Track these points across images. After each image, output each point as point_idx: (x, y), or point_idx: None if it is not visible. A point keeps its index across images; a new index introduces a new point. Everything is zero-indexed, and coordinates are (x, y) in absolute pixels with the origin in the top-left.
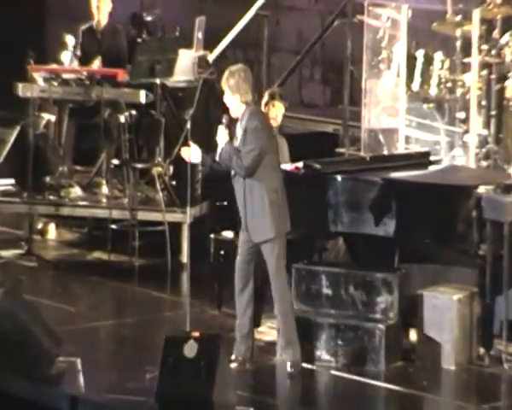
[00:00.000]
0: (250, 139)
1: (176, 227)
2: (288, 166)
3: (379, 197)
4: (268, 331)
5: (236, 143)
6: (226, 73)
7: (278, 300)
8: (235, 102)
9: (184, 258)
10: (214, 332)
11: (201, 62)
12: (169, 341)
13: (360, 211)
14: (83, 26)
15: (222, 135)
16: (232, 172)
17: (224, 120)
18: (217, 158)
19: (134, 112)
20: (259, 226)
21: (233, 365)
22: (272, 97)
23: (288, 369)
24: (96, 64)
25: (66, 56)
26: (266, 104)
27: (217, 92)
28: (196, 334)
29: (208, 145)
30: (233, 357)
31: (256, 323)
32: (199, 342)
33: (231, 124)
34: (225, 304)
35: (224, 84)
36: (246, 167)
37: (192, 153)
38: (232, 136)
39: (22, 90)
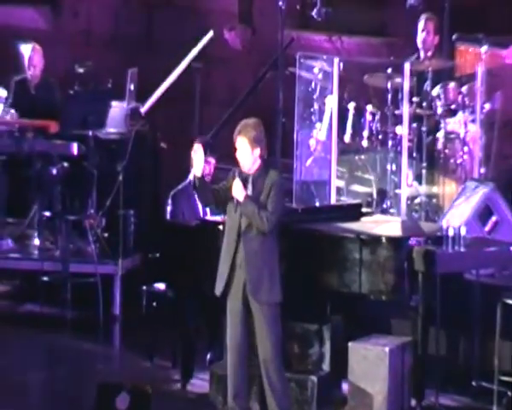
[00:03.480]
0: (277, 196)
1: (108, 279)
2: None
3: (309, 248)
4: (200, 383)
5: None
6: (244, 126)
7: (274, 366)
8: (254, 155)
9: (116, 310)
10: (146, 384)
11: (133, 114)
12: (101, 391)
13: (290, 262)
14: (16, 77)
15: (239, 188)
16: (243, 227)
17: (237, 174)
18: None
19: (66, 164)
20: (267, 287)
21: None
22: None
23: None
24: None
25: None
26: None
27: (149, 144)
28: (128, 385)
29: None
30: None
31: (188, 374)
32: (131, 393)
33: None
34: (157, 356)
35: (243, 138)
36: (273, 223)
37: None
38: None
39: None
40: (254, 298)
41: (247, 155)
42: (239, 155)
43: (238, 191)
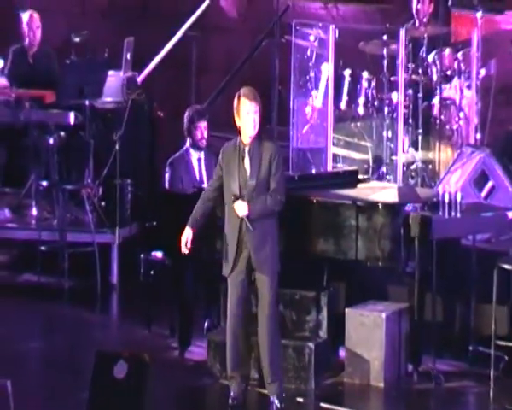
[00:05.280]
0: (279, 168)
1: (105, 248)
2: None
3: (306, 215)
4: (197, 351)
5: (248, 168)
6: (255, 92)
7: (271, 331)
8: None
9: (114, 278)
10: (144, 352)
11: (130, 83)
12: (99, 360)
13: (288, 229)
14: (13, 46)
15: (241, 205)
16: None
17: (235, 196)
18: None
19: (63, 133)
20: (270, 257)
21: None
22: (192, 121)
23: (277, 405)
24: None
25: None
26: (188, 129)
27: (145, 113)
28: (126, 354)
29: (138, 166)
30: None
31: (186, 342)
32: (128, 362)
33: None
34: (155, 324)
35: (257, 103)
36: (283, 198)
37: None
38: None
39: None
40: (260, 269)
41: (258, 120)
42: (251, 120)
43: (241, 208)
